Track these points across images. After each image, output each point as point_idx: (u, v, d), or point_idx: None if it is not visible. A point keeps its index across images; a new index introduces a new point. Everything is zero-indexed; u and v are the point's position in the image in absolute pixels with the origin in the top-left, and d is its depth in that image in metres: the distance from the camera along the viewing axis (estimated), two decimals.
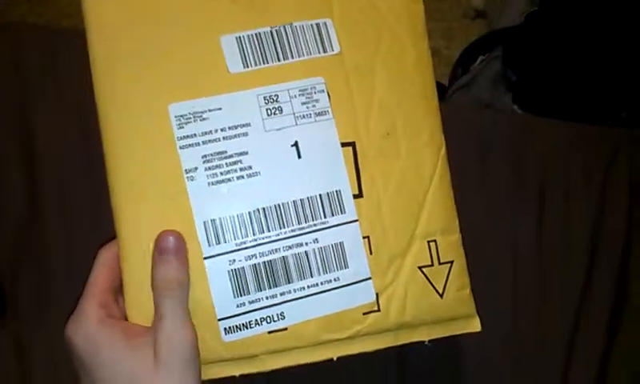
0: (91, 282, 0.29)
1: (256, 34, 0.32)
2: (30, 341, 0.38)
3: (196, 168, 0.30)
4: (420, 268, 0.33)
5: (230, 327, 0.30)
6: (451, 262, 0.34)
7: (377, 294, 0.32)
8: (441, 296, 0.33)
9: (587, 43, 0.61)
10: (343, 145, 0.32)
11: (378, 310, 0.32)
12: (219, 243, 0.30)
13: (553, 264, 0.44)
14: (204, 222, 0.30)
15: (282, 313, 0.31)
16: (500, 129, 0.45)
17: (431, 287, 0.33)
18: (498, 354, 0.41)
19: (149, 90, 0.30)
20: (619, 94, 0.62)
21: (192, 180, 0.30)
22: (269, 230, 0.31)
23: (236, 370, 0.31)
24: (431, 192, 0.34)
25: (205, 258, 0.30)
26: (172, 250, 0.29)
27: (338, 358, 0.33)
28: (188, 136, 0.30)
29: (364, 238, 0.32)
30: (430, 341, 0.34)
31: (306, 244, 0.31)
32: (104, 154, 0.30)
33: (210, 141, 0.30)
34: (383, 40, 0.33)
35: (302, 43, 0.32)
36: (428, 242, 0.33)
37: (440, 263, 0.33)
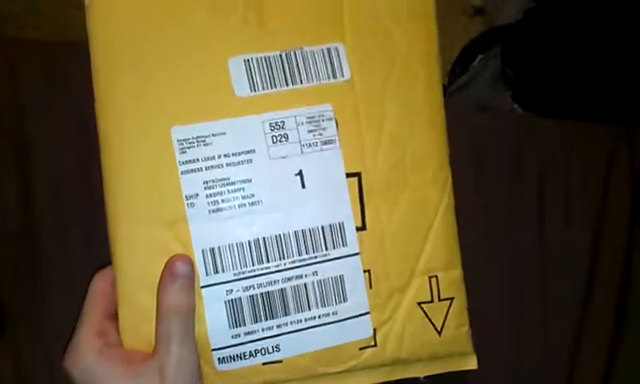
0: (86, 311, 0.29)
1: (265, 58, 0.30)
2: (28, 357, 0.37)
3: (197, 194, 0.29)
4: (419, 304, 0.33)
5: (224, 357, 0.30)
6: (451, 299, 0.33)
7: (374, 330, 0.32)
8: (439, 333, 0.33)
9: (586, 39, 0.60)
10: (349, 175, 0.31)
11: (375, 345, 0.32)
12: (217, 273, 0.30)
13: (554, 264, 0.43)
14: (202, 250, 0.29)
15: (278, 345, 0.30)
16: (498, 129, 0.45)
17: (430, 324, 0.33)
18: (500, 357, 0.41)
19: (151, 110, 0.29)
20: (620, 89, 0.61)
21: (192, 207, 0.29)
22: (268, 261, 0.30)
23: None
24: (435, 227, 0.33)
25: (202, 287, 0.29)
26: (184, 275, 0.28)
27: None
28: (190, 161, 0.29)
29: (365, 271, 0.32)
30: (425, 377, 0.34)
31: (306, 276, 0.31)
32: (102, 172, 0.29)
33: (212, 167, 0.30)
34: (395, 68, 0.32)
35: (312, 68, 0.31)
36: (429, 277, 0.33)
37: (440, 300, 0.33)
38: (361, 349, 0.32)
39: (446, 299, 0.33)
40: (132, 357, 0.28)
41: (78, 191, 0.36)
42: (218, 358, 0.30)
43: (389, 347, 0.32)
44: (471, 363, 0.34)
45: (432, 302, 0.33)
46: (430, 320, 0.33)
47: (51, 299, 0.38)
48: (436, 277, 0.33)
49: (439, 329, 0.33)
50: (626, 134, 0.47)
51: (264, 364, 0.30)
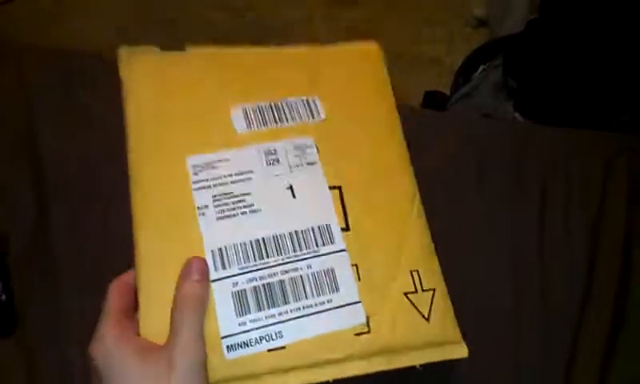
0: (106, 309, 0.33)
1: (258, 107, 0.40)
2: (41, 355, 0.39)
3: (207, 205, 0.36)
4: (405, 294, 0.37)
5: (232, 345, 0.33)
6: (433, 290, 0.37)
7: (367, 317, 0.35)
8: (427, 320, 0.36)
9: (587, 48, 0.61)
10: (331, 188, 0.38)
11: (369, 332, 0.35)
12: (224, 268, 0.35)
13: (554, 270, 0.43)
14: (212, 250, 0.35)
15: (280, 332, 0.34)
16: (500, 137, 0.46)
17: (417, 312, 0.36)
18: (500, 360, 0.41)
19: (171, 147, 0.37)
20: (620, 98, 0.61)
21: (203, 215, 0.36)
22: (268, 257, 0.35)
23: None
24: (410, 231, 0.39)
25: (212, 281, 0.34)
26: (197, 270, 0.33)
27: (334, 381, 0.34)
28: (201, 181, 0.37)
29: (352, 265, 0.36)
30: (421, 366, 0.36)
31: (301, 269, 0.35)
32: (131, 193, 0.36)
33: (219, 184, 0.37)
34: (360, 110, 0.42)
35: (295, 112, 0.40)
36: (411, 271, 0.37)
37: (423, 290, 0.37)
38: (356, 335, 0.35)
39: (429, 290, 0.37)
40: (147, 344, 0.32)
41: (88, 192, 0.39)
42: (227, 346, 0.33)
43: (382, 333, 0.35)
44: (462, 352, 0.37)
45: (416, 292, 0.37)
46: (417, 308, 0.36)
47: (63, 298, 0.40)
48: (417, 271, 0.37)
49: (426, 316, 0.36)
50: (626, 141, 0.48)
51: (269, 351, 0.34)
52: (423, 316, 0.36)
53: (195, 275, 0.33)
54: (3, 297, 0.40)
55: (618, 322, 0.44)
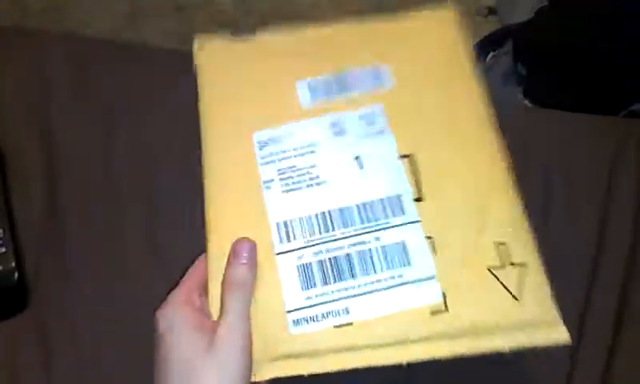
0: (182, 282, 0.34)
1: (324, 79, 0.38)
2: (52, 331, 0.40)
3: (272, 179, 0.35)
4: (490, 269, 0.32)
5: (297, 319, 0.32)
6: (524, 264, 0.33)
7: (444, 294, 0.32)
8: (515, 298, 0.32)
9: (596, 35, 0.62)
10: (402, 156, 0.35)
11: (446, 311, 0.32)
12: (289, 241, 0.34)
13: (559, 255, 0.39)
14: (277, 223, 0.34)
15: (347, 308, 0.32)
16: (507, 120, 0.45)
17: (503, 289, 0.32)
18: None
19: (238, 124, 0.38)
20: (630, 86, 0.61)
21: (269, 189, 0.35)
22: (334, 230, 0.34)
23: (303, 368, 0.32)
24: (494, 200, 0.34)
25: (276, 255, 0.33)
26: (244, 254, 0.33)
27: (409, 365, 0.31)
28: (266, 155, 0.36)
29: (427, 237, 0.33)
30: (511, 350, 0.31)
31: (369, 242, 0.33)
32: (202, 170, 0.36)
33: (284, 158, 0.36)
34: (433, 76, 0.38)
35: (362, 82, 0.38)
36: (496, 243, 0.33)
37: (512, 265, 0.33)
38: (432, 314, 0.32)
39: (518, 264, 0.33)
40: (204, 321, 0.32)
41: (99, 175, 0.40)
42: (293, 320, 0.32)
43: (462, 312, 0.32)
44: (560, 335, 0.31)
45: (503, 267, 0.32)
46: (503, 285, 0.32)
47: (75, 274, 0.41)
48: (504, 244, 0.33)
49: (515, 293, 0.32)
50: (636, 126, 0.47)
51: (335, 327, 0.32)
52: (511, 294, 0.32)
53: (242, 258, 0.32)
54: (15, 275, 0.41)
55: (622, 316, 0.40)
